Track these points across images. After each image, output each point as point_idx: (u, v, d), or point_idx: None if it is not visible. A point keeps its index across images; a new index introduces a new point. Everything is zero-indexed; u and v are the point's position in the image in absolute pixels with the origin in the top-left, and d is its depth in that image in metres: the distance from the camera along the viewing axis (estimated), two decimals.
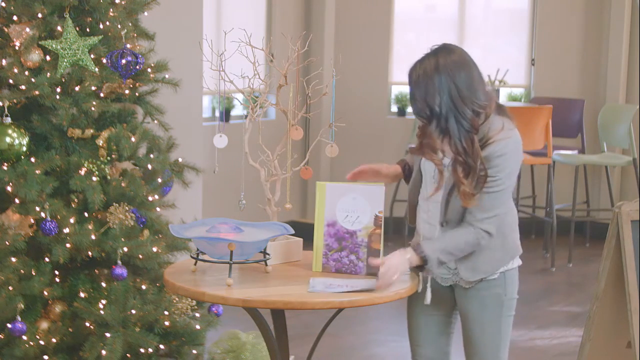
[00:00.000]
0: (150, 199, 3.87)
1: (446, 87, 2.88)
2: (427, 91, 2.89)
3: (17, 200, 3.65)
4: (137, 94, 4.00)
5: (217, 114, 6.83)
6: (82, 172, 3.72)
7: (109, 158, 3.81)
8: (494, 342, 3.10)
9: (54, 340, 3.67)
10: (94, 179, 3.71)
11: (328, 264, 3.06)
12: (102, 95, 3.85)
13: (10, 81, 3.68)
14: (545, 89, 8.03)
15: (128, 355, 3.76)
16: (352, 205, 3.04)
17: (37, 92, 3.65)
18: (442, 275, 3.12)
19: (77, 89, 3.75)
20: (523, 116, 6.77)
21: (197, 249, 3.02)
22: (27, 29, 3.70)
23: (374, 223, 3.03)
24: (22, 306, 3.57)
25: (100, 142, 3.79)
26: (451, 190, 2.98)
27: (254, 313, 3.00)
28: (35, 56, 3.72)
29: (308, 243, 3.18)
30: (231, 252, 2.88)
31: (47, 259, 3.68)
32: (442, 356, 3.24)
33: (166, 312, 3.80)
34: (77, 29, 3.77)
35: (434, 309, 3.18)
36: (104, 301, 3.66)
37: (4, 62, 3.70)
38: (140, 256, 3.77)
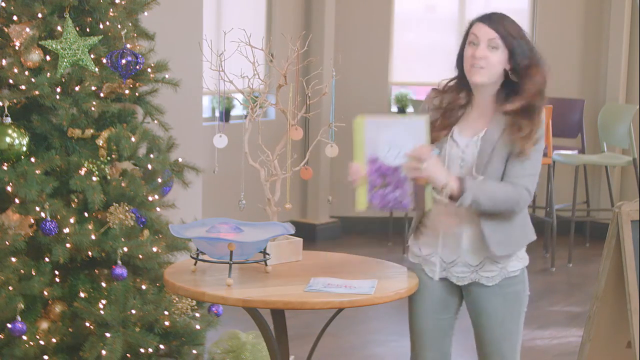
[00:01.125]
0: (150, 199, 3.87)
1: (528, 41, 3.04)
2: (521, 36, 3.00)
3: (17, 200, 3.65)
4: (137, 94, 4.00)
5: (217, 114, 6.83)
6: (82, 172, 3.72)
7: (109, 158, 3.82)
8: (513, 338, 3.13)
9: (54, 340, 3.67)
10: (94, 179, 3.71)
11: (373, 201, 2.95)
12: (102, 95, 3.85)
13: (10, 81, 3.68)
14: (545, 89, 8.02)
15: (128, 355, 3.76)
16: (393, 139, 2.92)
17: (37, 92, 3.65)
18: (459, 275, 3.11)
19: (77, 89, 3.75)
20: None
21: (197, 249, 3.02)
22: (27, 29, 3.70)
23: None
24: (22, 306, 3.57)
25: (100, 142, 3.79)
26: (487, 163, 2.98)
27: (254, 313, 3.00)
28: (35, 56, 3.72)
29: (308, 243, 3.18)
30: (231, 252, 2.88)
31: (47, 259, 3.68)
32: (444, 357, 3.24)
33: (166, 312, 3.80)
34: (77, 29, 3.77)
35: (441, 311, 3.18)
36: (104, 301, 3.66)
37: (4, 62, 3.70)
38: (140, 256, 3.77)
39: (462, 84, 3.09)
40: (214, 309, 4.10)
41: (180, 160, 4.14)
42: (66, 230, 3.63)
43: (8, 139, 3.65)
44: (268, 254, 3.03)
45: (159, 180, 3.95)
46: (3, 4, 3.73)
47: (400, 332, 5.47)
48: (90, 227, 3.68)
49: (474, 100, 3.08)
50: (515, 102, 2.99)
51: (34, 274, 3.65)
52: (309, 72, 3.57)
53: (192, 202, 5.03)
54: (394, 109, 8.19)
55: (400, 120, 2.98)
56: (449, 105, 3.07)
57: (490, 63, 2.97)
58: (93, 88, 3.78)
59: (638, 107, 7.40)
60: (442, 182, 2.91)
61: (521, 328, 3.17)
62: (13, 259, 3.61)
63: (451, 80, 3.12)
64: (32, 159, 3.67)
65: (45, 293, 3.67)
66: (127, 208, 3.71)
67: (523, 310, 3.15)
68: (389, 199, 2.94)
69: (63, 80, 3.76)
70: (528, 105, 3.00)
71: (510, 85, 3.04)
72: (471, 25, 3.05)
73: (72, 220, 3.66)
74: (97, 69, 3.78)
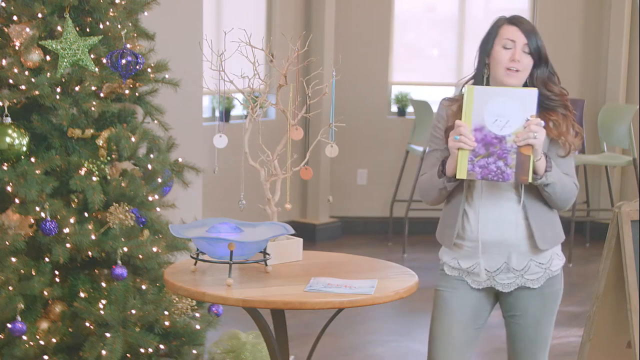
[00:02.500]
0: (150, 199, 3.87)
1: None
2: (540, 38, 3.07)
3: (17, 200, 3.65)
4: (137, 94, 4.00)
5: (217, 114, 6.83)
6: (82, 172, 3.72)
7: (109, 158, 3.82)
8: (547, 337, 3.19)
9: (54, 340, 3.67)
10: (94, 179, 3.72)
11: (474, 171, 2.94)
12: (102, 95, 3.85)
13: (10, 81, 3.68)
14: None
15: (128, 355, 3.76)
16: (502, 109, 2.91)
17: (37, 92, 3.65)
18: (505, 282, 3.12)
19: (77, 89, 3.76)
20: None
21: (197, 249, 3.02)
22: (27, 29, 3.70)
23: None
24: (22, 306, 3.57)
25: (100, 142, 3.79)
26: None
27: (254, 313, 2.99)
28: (35, 56, 3.72)
29: (308, 243, 3.18)
30: (231, 252, 2.88)
31: (47, 259, 3.68)
32: None
33: (166, 312, 3.80)
34: (77, 29, 3.77)
35: (472, 322, 3.18)
36: (104, 301, 3.66)
37: (4, 62, 3.70)
38: (140, 256, 3.77)
39: (478, 82, 3.12)
40: (214, 309, 4.10)
41: (180, 160, 4.14)
42: (66, 230, 3.63)
43: (8, 139, 3.65)
44: (268, 254, 3.03)
45: (159, 180, 3.95)
46: (3, 4, 3.73)
47: (400, 332, 5.47)
48: (90, 227, 3.68)
49: None
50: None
51: (34, 274, 3.65)
52: (309, 72, 3.57)
53: (192, 202, 5.03)
54: (394, 109, 8.19)
55: (511, 91, 2.95)
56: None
57: (525, 66, 3.04)
58: (93, 88, 3.78)
59: (638, 107, 7.40)
60: (540, 154, 2.95)
61: (553, 326, 3.22)
62: (13, 259, 3.61)
63: (467, 82, 3.14)
64: (32, 159, 3.67)
65: (45, 293, 3.67)
66: (127, 208, 3.71)
67: (557, 308, 3.21)
68: (490, 169, 2.93)
69: (63, 80, 3.76)
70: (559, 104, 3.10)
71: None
72: (499, 26, 3.09)
73: (72, 220, 3.66)
74: (97, 69, 3.78)
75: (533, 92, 2.94)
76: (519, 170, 2.91)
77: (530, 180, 2.93)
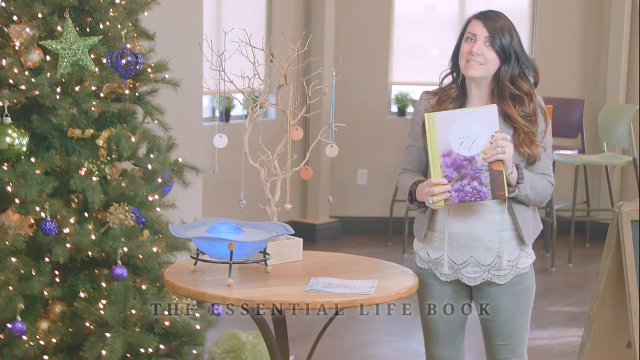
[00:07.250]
0: (150, 199, 3.87)
1: (518, 39, 3.09)
2: (511, 35, 3.06)
3: (17, 200, 3.65)
4: (137, 94, 4.00)
5: (217, 114, 6.83)
6: (82, 172, 3.72)
7: (109, 158, 3.82)
8: (522, 333, 3.22)
9: (54, 340, 3.67)
10: (94, 179, 3.72)
11: (450, 196, 2.97)
12: (102, 95, 3.85)
13: (10, 81, 3.68)
14: (545, 89, 8.02)
15: (128, 355, 3.76)
16: (465, 130, 2.93)
17: (37, 92, 3.65)
18: (471, 275, 3.14)
19: (77, 89, 3.76)
20: None
21: (197, 249, 3.02)
22: (27, 29, 3.70)
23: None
24: (22, 306, 3.58)
25: (100, 142, 3.79)
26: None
27: (254, 313, 2.99)
28: (35, 56, 3.72)
29: (308, 243, 3.17)
30: (231, 252, 2.88)
31: (47, 259, 3.68)
32: (459, 353, 3.30)
33: (166, 312, 3.80)
34: (77, 29, 3.77)
35: (455, 313, 3.22)
36: (104, 301, 3.66)
37: (4, 62, 3.70)
38: (140, 256, 3.77)
39: (455, 77, 3.16)
40: (214, 309, 4.10)
41: (180, 160, 4.14)
42: (66, 230, 3.63)
43: (8, 139, 3.65)
44: (268, 254, 3.03)
45: (159, 180, 3.95)
46: (3, 4, 3.73)
47: (400, 332, 5.47)
48: (90, 227, 3.68)
49: (470, 94, 3.13)
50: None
51: (34, 274, 3.65)
52: (309, 72, 3.57)
53: (192, 202, 5.03)
54: (394, 109, 8.19)
55: (471, 111, 2.98)
56: (442, 96, 3.13)
57: (487, 59, 3.05)
58: (93, 88, 3.78)
59: (638, 107, 7.40)
60: (512, 168, 2.97)
61: (529, 322, 3.24)
62: (13, 259, 3.61)
63: (446, 75, 3.19)
64: (32, 159, 3.67)
65: (45, 293, 3.67)
66: (127, 208, 3.71)
67: (531, 304, 3.23)
68: (466, 190, 2.95)
69: (63, 80, 3.76)
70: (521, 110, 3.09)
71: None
72: (469, 21, 3.11)
73: (72, 220, 3.66)
74: (97, 69, 3.78)
75: (492, 109, 2.95)
76: (494, 187, 2.95)
77: (507, 194, 2.97)
